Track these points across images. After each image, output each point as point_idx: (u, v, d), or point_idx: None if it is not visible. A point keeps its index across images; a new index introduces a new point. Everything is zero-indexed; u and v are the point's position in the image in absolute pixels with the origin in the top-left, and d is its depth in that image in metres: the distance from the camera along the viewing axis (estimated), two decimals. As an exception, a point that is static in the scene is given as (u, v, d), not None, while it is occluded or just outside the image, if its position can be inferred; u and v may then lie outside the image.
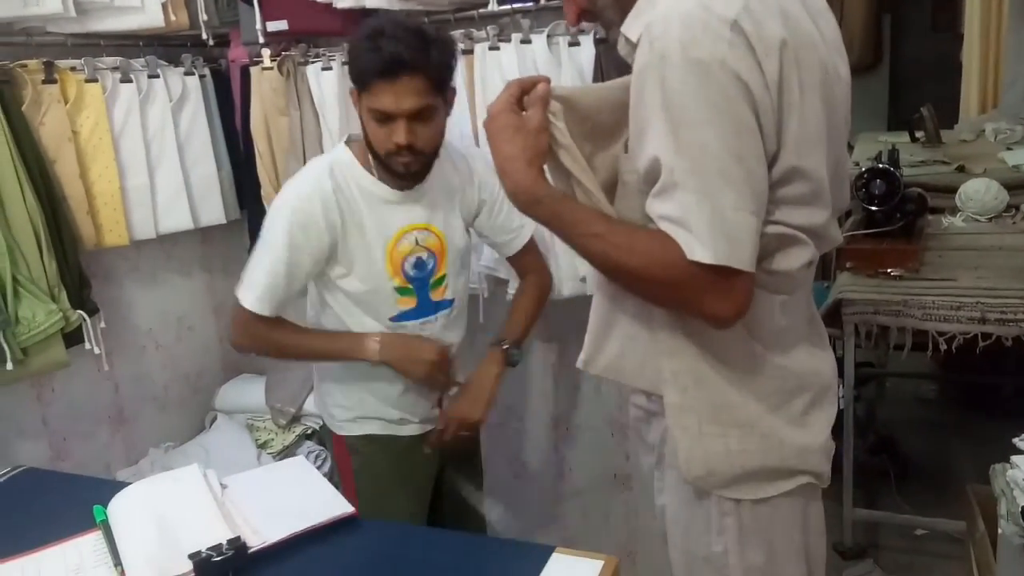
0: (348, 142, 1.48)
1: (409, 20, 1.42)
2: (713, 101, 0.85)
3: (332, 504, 0.96)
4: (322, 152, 2.09)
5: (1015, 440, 1.52)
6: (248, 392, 2.26)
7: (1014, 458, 1.48)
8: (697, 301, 0.91)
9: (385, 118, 1.34)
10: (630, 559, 2.21)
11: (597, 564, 0.82)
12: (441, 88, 1.36)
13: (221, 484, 1.01)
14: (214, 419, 2.27)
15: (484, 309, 2.03)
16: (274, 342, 1.50)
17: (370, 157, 1.43)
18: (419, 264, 1.50)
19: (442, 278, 1.53)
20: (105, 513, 0.97)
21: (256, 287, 1.43)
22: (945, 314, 1.96)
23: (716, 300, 0.90)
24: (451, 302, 1.56)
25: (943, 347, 1.97)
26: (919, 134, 3.07)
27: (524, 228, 1.64)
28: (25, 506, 1.10)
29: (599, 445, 2.19)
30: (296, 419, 2.19)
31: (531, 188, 0.97)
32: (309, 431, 2.19)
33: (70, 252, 1.83)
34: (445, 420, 1.55)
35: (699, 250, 0.85)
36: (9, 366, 1.66)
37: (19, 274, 1.70)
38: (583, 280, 1.91)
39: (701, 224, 0.86)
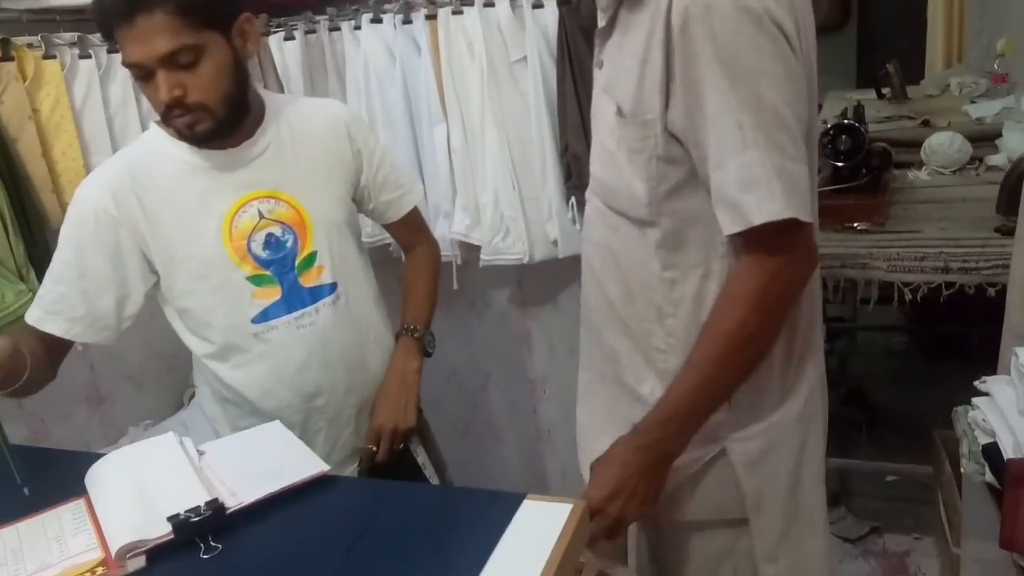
0: (158, 121, 1.22)
1: None
2: (766, 50, 0.87)
3: (306, 464, 0.98)
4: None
5: (976, 383, 1.56)
6: (226, 368, 2.26)
7: (975, 400, 1.53)
8: (784, 277, 0.94)
9: (143, 75, 1.09)
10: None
11: (566, 508, 0.85)
12: (205, 21, 1.08)
13: (198, 450, 1.02)
14: (192, 396, 2.27)
15: (458, 276, 2.04)
16: None
17: None
18: (272, 242, 1.23)
19: (311, 257, 1.25)
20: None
21: (43, 299, 1.20)
22: (910, 265, 2.01)
23: (795, 261, 0.94)
24: (333, 287, 1.28)
25: (908, 297, 2.02)
26: (885, 90, 3.10)
27: (414, 185, 1.45)
28: (5, 481, 1.11)
29: (575, 405, 2.23)
30: (275, 392, 2.20)
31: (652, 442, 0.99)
32: (288, 404, 2.20)
33: (37, 232, 1.81)
34: (374, 438, 1.31)
35: (775, 207, 0.87)
36: (-20, 348, 1.66)
37: (-15, 255, 1.69)
38: (554, 243, 1.92)
39: (773, 181, 0.87)
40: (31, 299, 1.73)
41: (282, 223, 1.24)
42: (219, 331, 1.24)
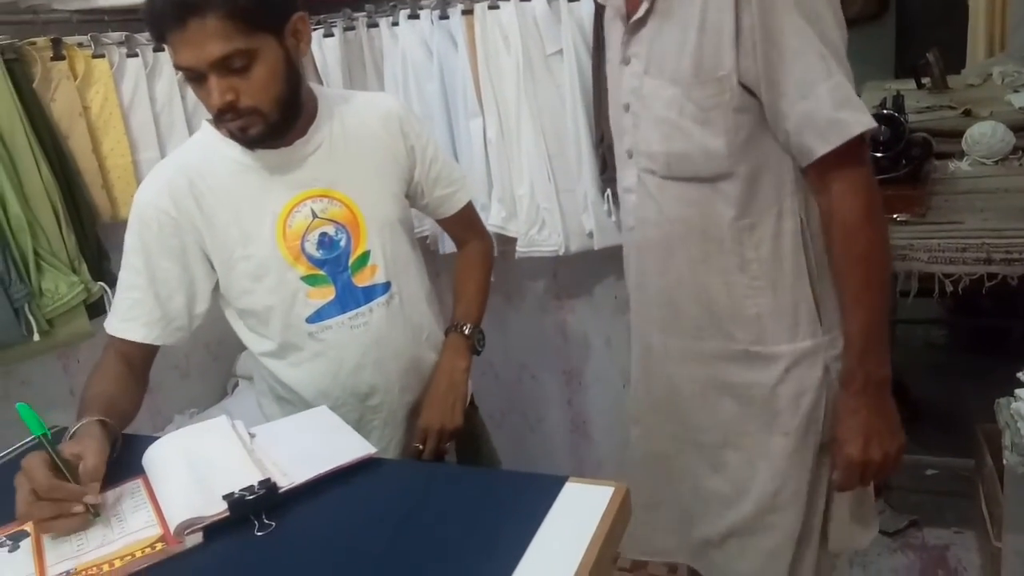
0: (210, 120, 1.21)
1: None
2: None
3: (354, 447, 1.01)
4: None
5: (1019, 374, 1.54)
6: (267, 358, 2.31)
7: (1018, 391, 1.51)
8: (874, 182, 1.07)
9: (195, 77, 1.08)
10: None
11: (608, 491, 0.87)
12: (258, 24, 1.06)
13: (249, 433, 1.06)
14: (235, 385, 2.33)
15: (495, 268, 2.06)
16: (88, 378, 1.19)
17: None
18: (325, 242, 1.22)
19: (364, 256, 1.25)
20: (33, 416, 0.96)
21: (118, 309, 1.21)
22: (951, 256, 1.98)
23: (871, 168, 1.07)
24: (387, 286, 1.27)
25: (949, 289, 1.99)
26: (925, 80, 3.05)
27: (465, 180, 1.43)
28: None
29: (612, 397, 2.24)
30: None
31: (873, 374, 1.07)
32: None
33: (88, 225, 1.87)
34: (421, 436, 1.30)
35: (865, 119, 1.01)
36: (36, 337, 1.71)
37: (40, 248, 1.74)
38: (590, 235, 1.94)
39: (857, 98, 1.01)
40: (83, 290, 1.80)
41: (335, 222, 1.23)
42: (276, 331, 1.25)
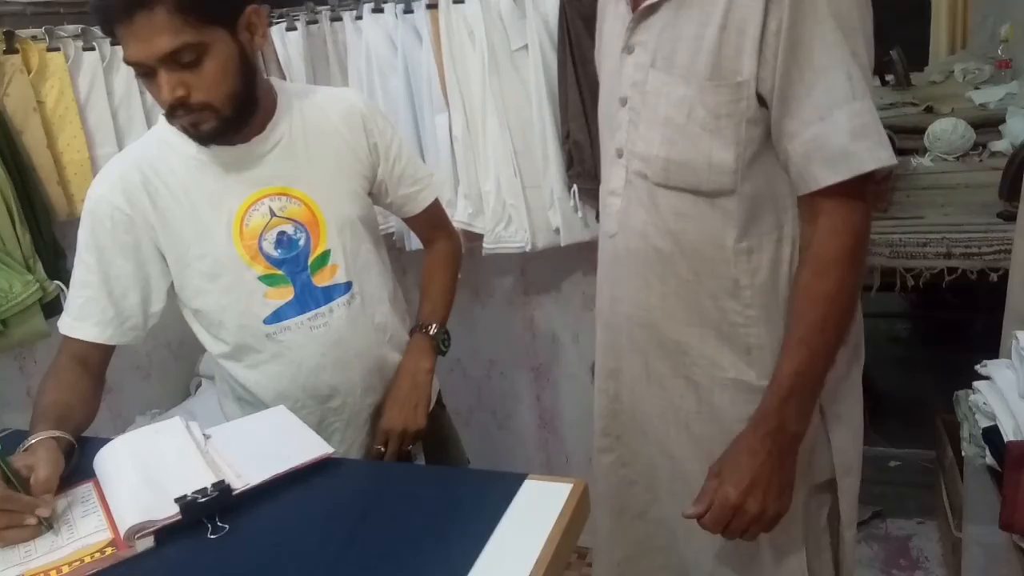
0: None
1: None
2: (863, 9, 0.93)
3: (311, 447, 0.99)
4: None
5: (977, 367, 1.57)
6: (231, 357, 2.28)
7: (976, 383, 1.53)
8: (868, 226, 0.98)
9: (145, 72, 1.05)
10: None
11: (566, 487, 0.86)
12: (208, 17, 1.03)
13: (204, 434, 1.04)
14: (199, 385, 2.29)
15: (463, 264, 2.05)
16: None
17: None
18: (284, 241, 1.20)
19: (324, 255, 1.22)
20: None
21: (71, 308, 1.18)
22: (912, 251, 2.01)
23: (870, 210, 0.98)
24: (348, 286, 1.24)
25: (910, 284, 2.02)
26: (888, 77, 3.09)
27: (431, 179, 1.41)
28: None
29: (580, 393, 2.24)
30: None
31: (783, 425, 1.00)
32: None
33: (43, 223, 1.82)
34: (383, 438, 1.27)
35: (883, 154, 0.92)
36: (-11, 337, 1.68)
37: (-8, 246, 1.70)
38: (556, 232, 1.93)
39: (880, 129, 0.93)
40: (38, 289, 1.75)
41: (294, 221, 1.20)
42: (231, 331, 1.22)
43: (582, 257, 2.11)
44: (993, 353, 1.59)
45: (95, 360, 1.21)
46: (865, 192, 0.96)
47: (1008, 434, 1.34)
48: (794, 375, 0.98)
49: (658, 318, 1.10)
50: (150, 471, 0.94)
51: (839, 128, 0.92)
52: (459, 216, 1.98)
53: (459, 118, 1.92)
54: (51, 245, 1.86)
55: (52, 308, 1.84)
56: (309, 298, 1.22)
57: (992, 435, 1.40)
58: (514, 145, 1.89)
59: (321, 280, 1.22)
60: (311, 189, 1.21)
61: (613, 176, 1.12)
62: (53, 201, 1.87)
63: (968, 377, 1.57)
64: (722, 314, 1.05)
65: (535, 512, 0.84)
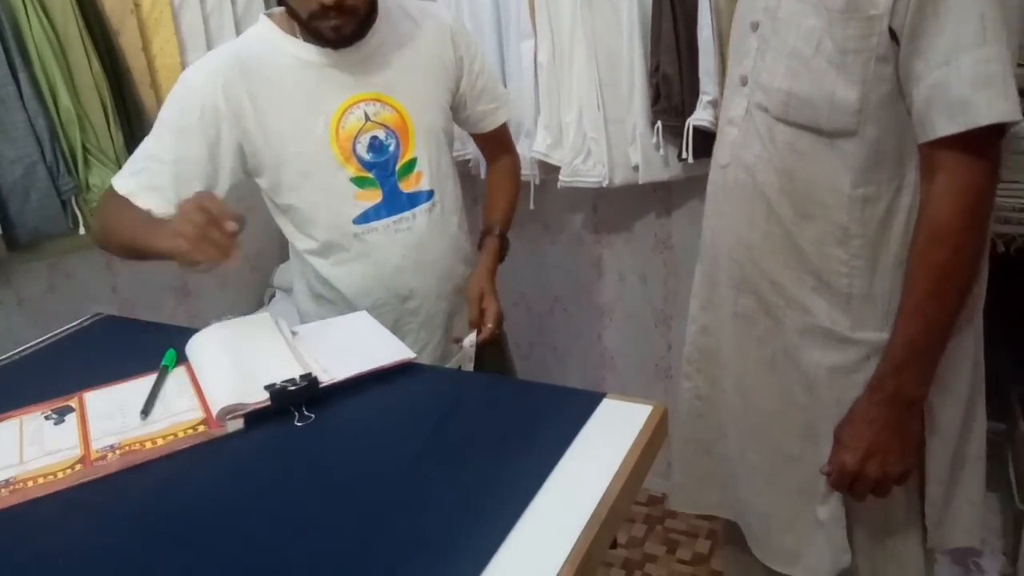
0: (269, 15, 1.24)
1: None
2: None
3: (393, 350, 1.02)
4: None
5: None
6: (303, 272, 2.33)
7: (1063, 355, 1.48)
8: (991, 188, 0.93)
9: None
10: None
11: (646, 409, 0.87)
12: None
13: (292, 331, 1.07)
14: (272, 295, 2.36)
15: (535, 196, 2.04)
16: (109, 225, 1.20)
17: (296, 25, 1.19)
18: (375, 146, 1.23)
19: (411, 163, 1.26)
20: (174, 358, 1.03)
21: (127, 169, 1.19)
22: (1007, 215, 1.92)
23: (996, 170, 0.92)
24: (430, 194, 1.29)
25: (1000, 250, 1.93)
26: None
27: (507, 98, 1.46)
28: (105, 346, 1.19)
29: (643, 336, 2.24)
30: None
31: (905, 394, 0.98)
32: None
33: (135, 124, 1.87)
34: (476, 322, 1.33)
35: (1006, 107, 0.86)
36: (82, 231, 1.74)
37: (88, 143, 1.75)
38: (635, 169, 1.90)
39: (1009, 79, 0.86)
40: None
41: (386, 127, 1.23)
42: (321, 229, 1.26)
43: (657, 198, 2.08)
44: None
45: None
46: (989, 150, 0.90)
47: (1092, 407, 1.30)
48: (909, 344, 0.97)
49: (757, 256, 1.08)
50: (242, 359, 0.98)
51: (963, 74, 0.87)
52: (537, 147, 1.96)
53: (546, 45, 1.88)
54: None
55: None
56: (395, 202, 1.26)
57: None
58: (600, 76, 1.85)
59: (407, 186, 1.27)
60: (403, 97, 1.25)
61: (734, 104, 1.10)
62: (145, 103, 1.91)
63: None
64: (824, 261, 1.02)
65: (613, 431, 0.85)
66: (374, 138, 1.23)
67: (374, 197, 1.25)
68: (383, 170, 1.24)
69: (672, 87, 1.75)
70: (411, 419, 0.91)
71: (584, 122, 1.89)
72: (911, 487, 1.10)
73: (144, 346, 1.10)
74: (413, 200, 1.27)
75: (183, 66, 1.96)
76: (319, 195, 1.23)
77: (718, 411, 1.22)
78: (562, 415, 0.88)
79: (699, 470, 1.28)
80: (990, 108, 0.86)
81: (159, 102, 1.94)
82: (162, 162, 1.18)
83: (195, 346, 1.04)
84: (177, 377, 1.01)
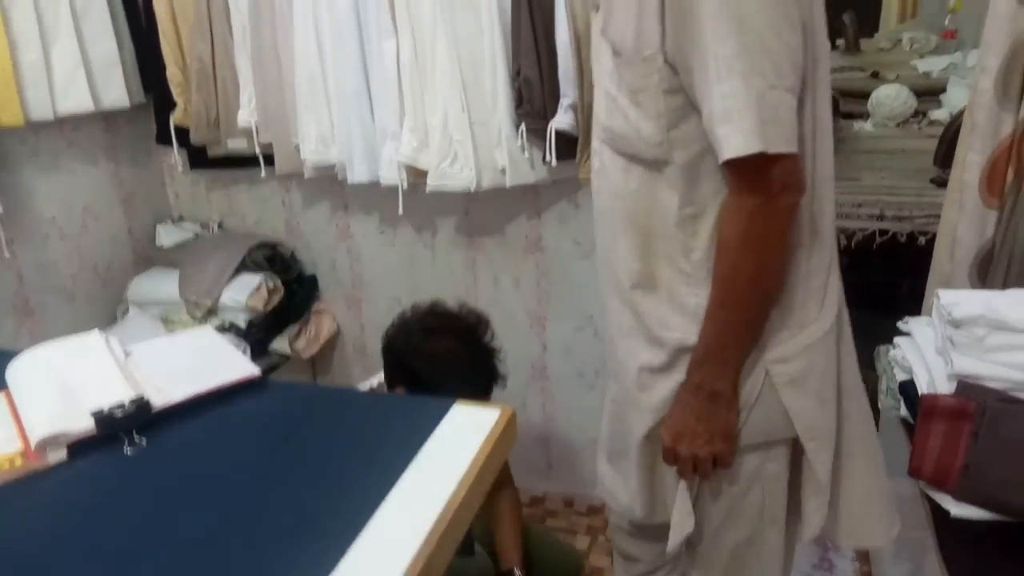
0: None
1: None
2: None
3: (238, 367, 0.97)
4: (230, 31, 1.99)
5: (899, 323, 1.63)
6: (161, 284, 2.21)
7: (896, 339, 1.59)
8: (764, 215, 0.94)
9: None
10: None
11: (494, 413, 0.86)
12: None
13: (125, 352, 1.00)
14: (126, 311, 2.22)
15: (404, 202, 2.01)
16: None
17: None
18: None
19: None
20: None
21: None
22: (847, 211, 2.06)
23: (773, 197, 0.93)
24: None
25: (843, 244, 2.07)
26: (839, 41, 3.12)
27: None
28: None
29: (518, 337, 2.25)
30: (212, 312, 2.16)
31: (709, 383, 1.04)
32: (227, 324, 2.17)
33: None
34: None
35: (739, 142, 0.88)
36: None
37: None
38: (502, 172, 1.91)
39: (744, 112, 0.87)
40: None
41: None
42: None
43: (526, 200, 2.10)
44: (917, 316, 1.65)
45: None
46: (764, 174, 0.92)
47: (923, 387, 1.40)
48: (703, 343, 1.04)
49: (621, 274, 1.11)
50: (66, 383, 0.90)
51: (714, 109, 0.90)
52: (403, 150, 1.93)
53: (407, 45, 1.85)
54: None
55: None
56: None
57: (907, 388, 1.46)
58: (463, 77, 1.84)
59: None
60: None
61: (595, 136, 1.13)
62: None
63: (891, 339, 1.63)
64: (675, 275, 1.06)
65: (461, 437, 0.84)
66: None
67: None
68: None
69: (533, 90, 1.77)
70: (253, 440, 0.87)
71: (449, 124, 1.88)
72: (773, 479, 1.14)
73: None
74: None
75: (16, 67, 1.82)
76: None
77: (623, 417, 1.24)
78: (410, 425, 0.86)
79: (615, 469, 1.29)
80: (728, 144, 0.89)
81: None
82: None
83: (15, 370, 0.95)
84: (-6, 408, 0.92)
